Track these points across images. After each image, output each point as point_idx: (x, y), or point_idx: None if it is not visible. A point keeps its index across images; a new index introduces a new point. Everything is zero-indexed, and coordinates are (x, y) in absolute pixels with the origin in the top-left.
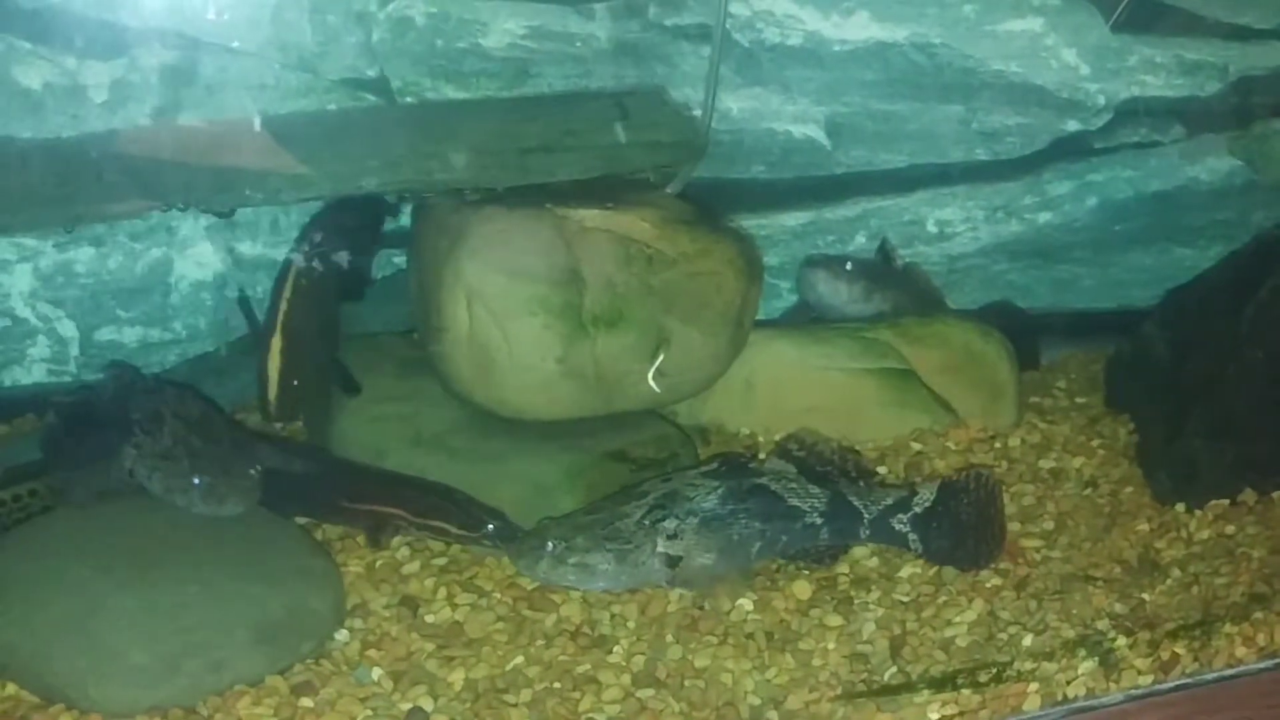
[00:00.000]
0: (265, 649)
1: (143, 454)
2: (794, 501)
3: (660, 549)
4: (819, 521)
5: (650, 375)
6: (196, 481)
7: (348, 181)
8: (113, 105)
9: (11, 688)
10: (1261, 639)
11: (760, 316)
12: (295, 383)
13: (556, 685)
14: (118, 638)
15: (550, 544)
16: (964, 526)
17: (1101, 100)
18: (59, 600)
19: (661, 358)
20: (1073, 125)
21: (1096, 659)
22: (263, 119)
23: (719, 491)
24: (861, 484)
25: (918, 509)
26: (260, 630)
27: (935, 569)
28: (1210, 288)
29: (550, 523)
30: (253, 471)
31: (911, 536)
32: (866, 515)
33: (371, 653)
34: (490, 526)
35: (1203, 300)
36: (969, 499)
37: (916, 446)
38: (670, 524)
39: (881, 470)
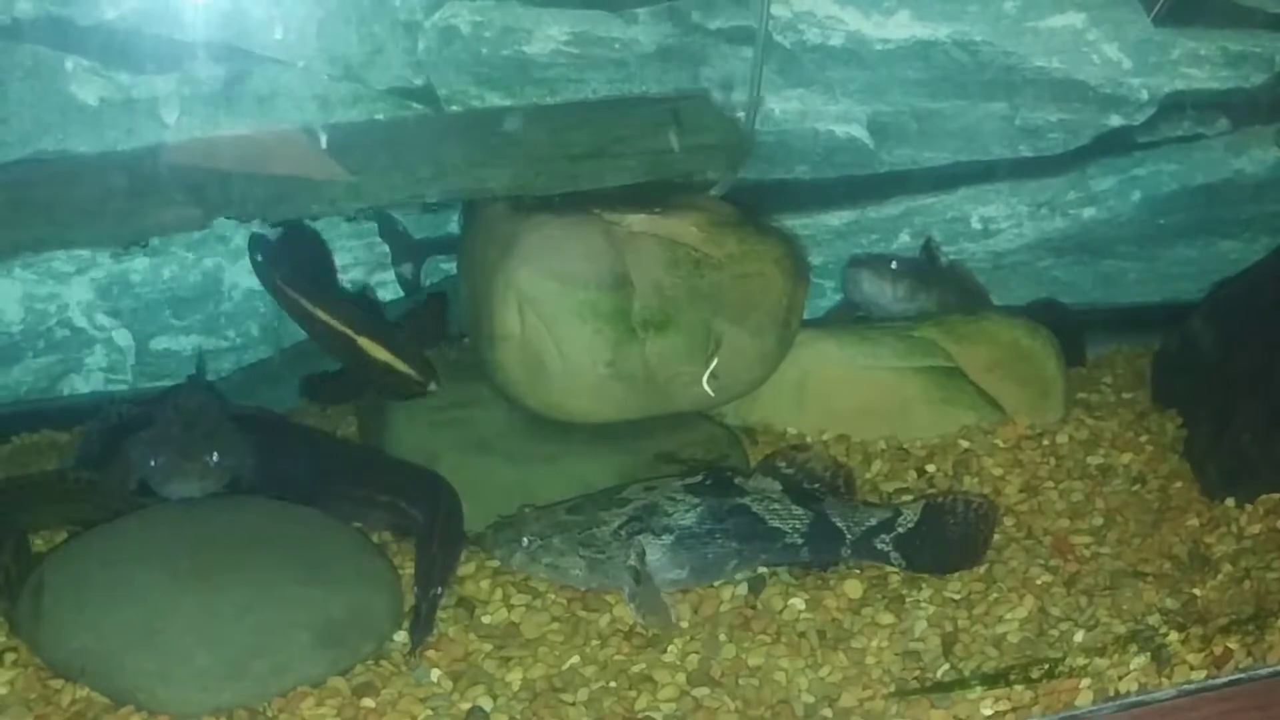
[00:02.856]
0: (327, 650)
1: (134, 443)
2: (774, 523)
3: (631, 563)
4: (799, 542)
5: (705, 379)
6: (152, 464)
7: (403, 190)
8: (167, 118)
9: (84, 690)
10: None
11: (806, 316)
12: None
13: (613, 684)
14: (184, 641)
15: (527, 540)
16: (947, 545)
17: (1145, 94)
18: (129, 604)
19: (716, 361)
20: (1116, 120)
21: (1148, 654)
22: (316, 129)
23: (698, 509)
24: (847, 503)
25: (901, 529)
26: (322, 632)
27: (987, 566)
28: (1257, 280)
29: (532, 512)
30: (209, 458)
31: (894, 554)
32: (849, 536)
33: (430, 653)
34: None
35: (1250, 293)
36: (954, 520)
37: (964, 444)
38: (644, 539)
39: (930, 469)
